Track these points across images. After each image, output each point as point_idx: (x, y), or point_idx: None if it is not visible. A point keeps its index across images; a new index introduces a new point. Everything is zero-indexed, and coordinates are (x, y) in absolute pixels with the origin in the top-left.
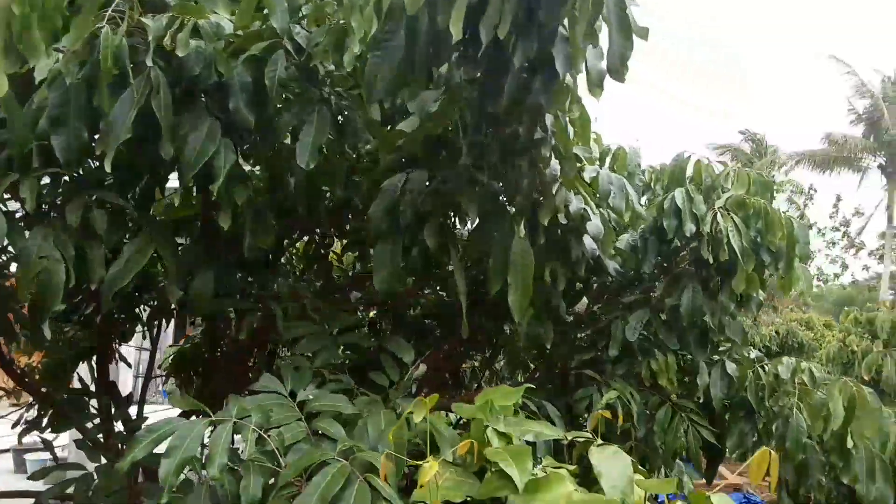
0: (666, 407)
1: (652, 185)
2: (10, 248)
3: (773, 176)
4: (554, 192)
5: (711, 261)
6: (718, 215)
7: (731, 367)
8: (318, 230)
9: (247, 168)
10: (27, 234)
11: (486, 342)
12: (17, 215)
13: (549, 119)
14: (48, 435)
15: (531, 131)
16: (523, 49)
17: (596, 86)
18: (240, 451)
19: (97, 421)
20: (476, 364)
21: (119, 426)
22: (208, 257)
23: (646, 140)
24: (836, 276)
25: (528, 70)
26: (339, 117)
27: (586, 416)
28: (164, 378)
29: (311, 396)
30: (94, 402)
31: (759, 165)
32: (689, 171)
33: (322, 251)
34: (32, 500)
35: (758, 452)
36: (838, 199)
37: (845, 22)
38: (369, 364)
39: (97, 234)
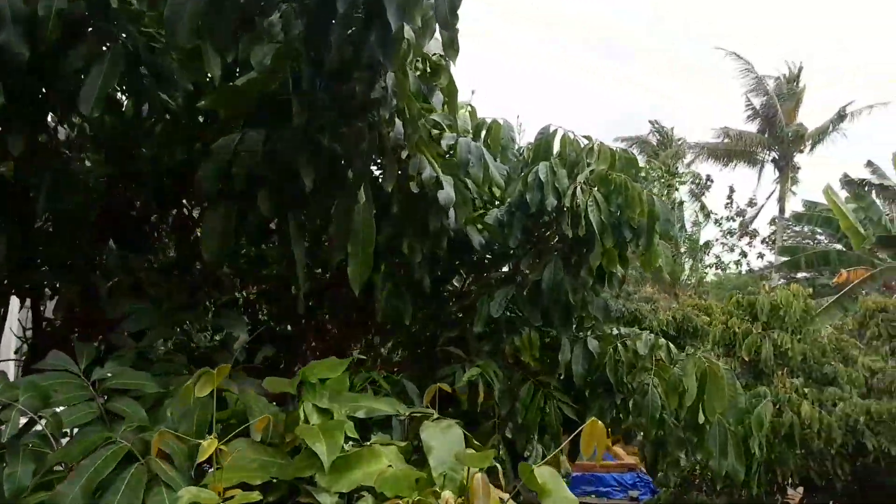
0: (529, 384)
1: (528, 160)
2: None
3: (676, 168)
4: (404, 157)
5: (571, 235)
6: (578, 189)
7: (593, 344)
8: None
9: None
10: None
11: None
12: None
13: (390, 78)
14: None
15: (368, 89)
16: None
17: (449, 47)
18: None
19: None
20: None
21: None
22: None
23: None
24: (737, 263)
25: (364, 23)
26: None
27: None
28: None
29: (109, 374)
30: None
31: (664, 157)
32: (558, 146)
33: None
34: None
35: (586, 424)
36: (731, 190)
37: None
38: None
39: None
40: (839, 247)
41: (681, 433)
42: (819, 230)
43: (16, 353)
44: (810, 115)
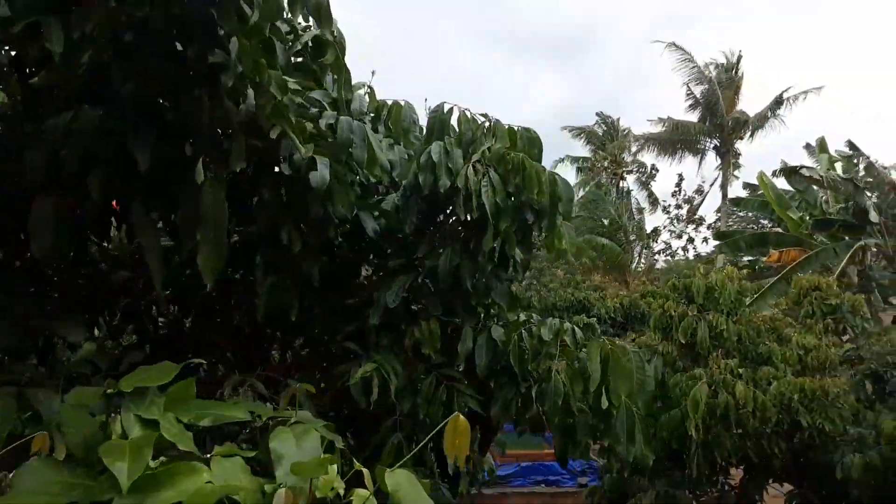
0: (431, 378)
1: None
2: None
3: (623, 158)
4: (273, 135)
5: (464, 217)
6: (470, 169)
7: (497, 333)
8: None
9: None
10: None
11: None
12: None
13: (234, 44)
14: None
15: (204, 53)
16: None
17: (317, 14)
18: None
19: None
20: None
21: None
22: None
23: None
24: (684, 249)
25: None
26: None
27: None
28: None
29: None
30: None
31: (611, 147)
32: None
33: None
34: None
35: (449, 420)
36: (681, 178)
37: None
38: None
39: None
40: (779, 229)
41: (589, 419)
42: (759, 214)
43: None
44: (750, 104)
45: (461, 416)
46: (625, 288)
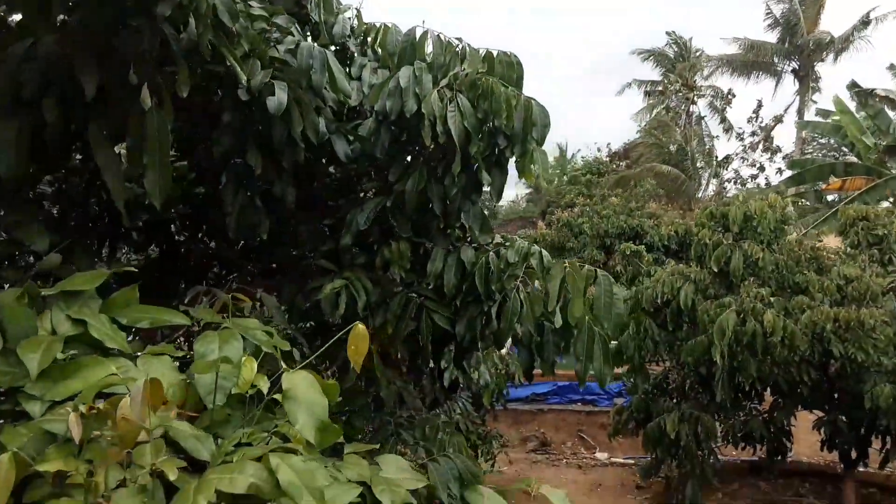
0: (401, 295)
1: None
2: None
3: (694, 80)
4: (230, 63)
5: (428, 143)
6: (435, 95)
7: (467, 255)
8: None
9: None
10: None
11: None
12: None
13: None
14: None
15: None
16: None
17: None
18: None
19: None
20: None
21: None
22: None
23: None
24: (754, 178)
25: None
26: None
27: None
28: None
29: None
30: None
31: (680, 70)
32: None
33: None
34: None
35: (351, 329)
36: (759, 104)
37: None
38: None
39: None
40: (852, 158)
41: (554, 338)
42: (837, 141)
43: None
44: (835, 23)
45: (360, 325)
46: (687, 216)
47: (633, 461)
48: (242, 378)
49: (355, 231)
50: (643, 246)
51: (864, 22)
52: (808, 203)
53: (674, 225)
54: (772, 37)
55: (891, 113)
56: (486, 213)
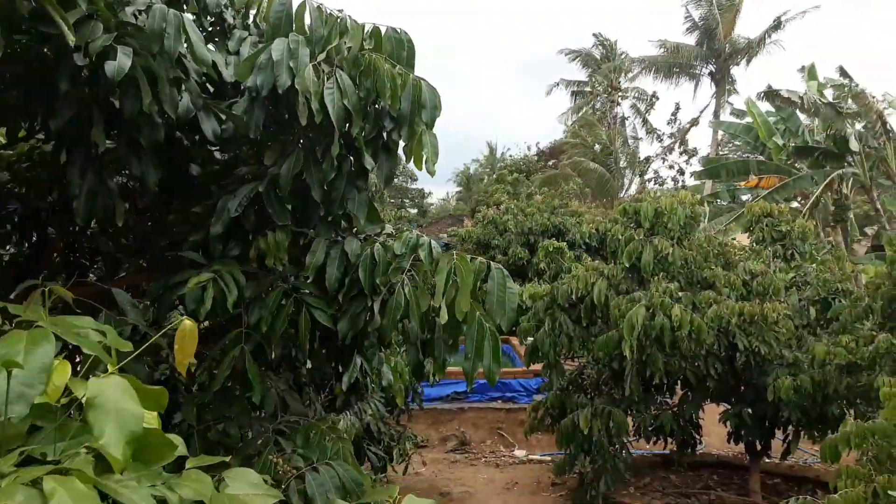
0: (277, 290)
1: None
2: None
3: (619, 82)
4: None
5: (303, 122)
6: (310, 69)
7: (351, 246)
8: None
9: None
10: None
11: None
12: None
13: None
14: None
15: None
16: None
17: None
18: None
19: None
20: None
21: None
22: None
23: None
24: (673, 179)
25: None
26: None
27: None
28: None
29: None
30: None
31: (605, 70)
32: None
33: None
34: None
35: (179, 324)
36: (677, 107)
37: None
38: None
39: None
40: (761, 157)
41: (442, 335)
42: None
43: None
44: (752, 28)
45: (188, 322)
46: (608, 214)
47: (549, 458)
48: (52, 384)
49: (227, 219)
50: (565, 243)
51: (776, 25)
52: (723, 203)
53: (594, 223)
54: (691, 40)
55: (801, 115)
56: (373, 201)
